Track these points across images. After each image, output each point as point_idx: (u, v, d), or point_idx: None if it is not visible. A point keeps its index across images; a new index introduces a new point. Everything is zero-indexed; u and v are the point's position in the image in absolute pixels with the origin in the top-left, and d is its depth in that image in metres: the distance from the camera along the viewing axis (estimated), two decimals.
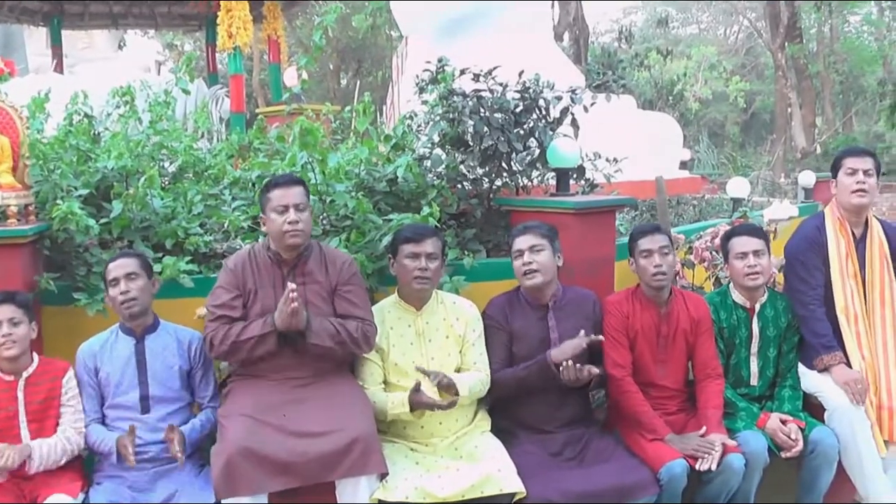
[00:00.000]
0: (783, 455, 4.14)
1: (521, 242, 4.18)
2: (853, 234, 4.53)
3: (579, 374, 3.95)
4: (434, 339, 4.04)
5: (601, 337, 4.10)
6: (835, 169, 4.61)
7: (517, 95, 5.09)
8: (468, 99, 4.98)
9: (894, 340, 4.43)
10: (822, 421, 4.30)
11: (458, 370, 4.05)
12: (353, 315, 3.87)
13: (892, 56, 26.01)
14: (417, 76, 5.44)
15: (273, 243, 3.92)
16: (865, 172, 4.47)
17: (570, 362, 3.95)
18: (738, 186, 7.16)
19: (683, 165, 12.08)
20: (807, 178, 9.02)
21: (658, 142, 9.77)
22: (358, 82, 19.79)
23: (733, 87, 30.02)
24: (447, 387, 3.84)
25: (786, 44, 24.17)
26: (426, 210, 4.38)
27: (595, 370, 3.98)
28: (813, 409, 4.41)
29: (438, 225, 4.42)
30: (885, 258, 4.52)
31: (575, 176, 5.17)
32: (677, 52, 29.85)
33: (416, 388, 3.80)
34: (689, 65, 28.48)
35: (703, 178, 12.90)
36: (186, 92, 5.82)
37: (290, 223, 3.80)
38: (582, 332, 4.07)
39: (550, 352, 4.03)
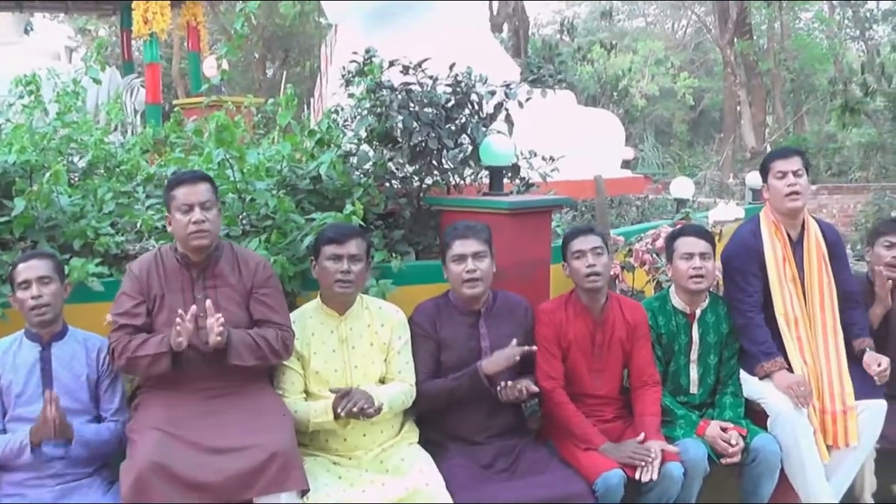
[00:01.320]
0: (723, 461, 4.23)
1: (463, 247, 4.18)
2: (789, 236, 4.64)
3: (518, 394, 4.00)
4: (358, 345, 4.04)
5: (534, 348, 4.15)
6: (764, 172, 4.72)
7: (448, 90, 5.12)
8: (397, 93, 5.00)
9: (835, 343, 4.55)
10: (765, 428, 4.41)
11: (382, 379, 4.06)
12: (270, 320, 3.86)
13: (844, 55, 26.62)
14: (344, 68, 5.44)
15: (180, 245, 3.88)
16: (795, 174, 4.57)
17: (508, 383, 4.00)
18: (681, 186, 7.28)
19: (626, 164, 12.22)
20: (755, 178, 9.16)
21: (599, 139, 9.88)
22: (284, 73, 19.71)
23: (681, 84, 30.45)
24: (359, 412, 3.75)
25: (735, 40, 24.62)
26: (349, 208, 4.39)
27: (533, 388, 4.04)
28: (755, 415, 4.51)
29: (363, 225, 4.43)
30: (823, 259, 4.64)
31: (509, 175, 5.22)
32: (623, 46, 30.21)
33: (342, 395, 3.79)
34: (635, 59, 28.82)
35: (646, 177, 13.06)
36: (97, 81, 5.76)
37: (195, 223, 3.76)
38: (514, 341, 4.11)
39: (481, 363, 4.06)
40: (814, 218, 4.77)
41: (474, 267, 4.14)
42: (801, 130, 28.22)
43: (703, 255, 4.47)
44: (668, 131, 32.47)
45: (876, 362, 4.48)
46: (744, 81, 25.50)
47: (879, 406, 4.44)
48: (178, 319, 3.59)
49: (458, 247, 4.18)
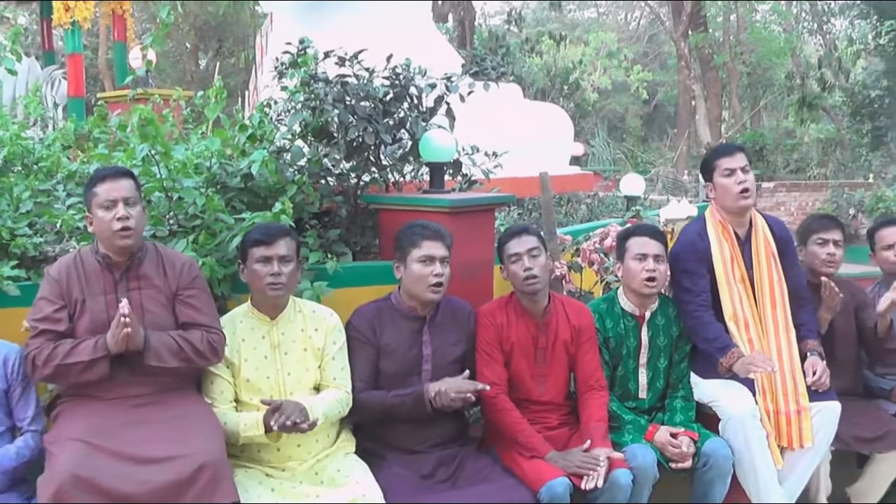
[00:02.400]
0: (673, 466, 4.29)
1: (434, 249, 4.19)
2: (737, 235, 4.72)
3: (453, 402, 4.02)
4: (291, 351, 4.04)
5: (487, 387, 4.12)
6: (707, 171, 4.80)
7: (386, 82, 5.13)
8: (332, 85, 5.00)
9: (788, 343, 4.63)
10: (717, 432, 4.47)
11: (317, 386, 4.06)
12: (197, 322, 3.84)
13: (801, 48, 27.08)
14: (277, 59, 5.44)
15: (102, 245, 3.85)
16: (743, 170, 4.66)
17: (442, 388, 4.02)
18: (632, 183, 7.39)
19: (576, 161, 12.33)
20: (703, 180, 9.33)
21: (546, 134, 9.95)
22: (218, 64, 19.58)
23: (635, 77, 30.78)
24: (292, 427, 3.73)
25: (689, 32, 24.93)
26: (278, 207, 4.37)
27: (471, 398, 4.05)
28: (707, 419, 4.58)
29: (294, 225, 4.41)
30: (772, 257, 4.72)
31: (450, 171, 5.25)
32: (574, 38, 30.47)
33: (274, 408, 3.78)
34: (587, 52, 29.08)
35: (596, 174, 13.20)
36: (13, 72, 5.68)
37: (119, 219, 3.73)
38: (466, 372, 4.14)
39: (428, 386, 4.07)
40: (761, 214, 4.85)
41: (442, 272, 4.16)
42: (759, 126, 28.66)
43: (656, 257, 4.53)
44: (621, 126, 32.78)
45: (811, 370, 4.56)
46: (698, 75, 25.85)
47: (833, 407, 4.52)
48: (119, 314, 3.55)
49: (429, 248, 4.18)
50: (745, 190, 4.62)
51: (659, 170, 18.33)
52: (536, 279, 4.31)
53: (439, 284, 4.15)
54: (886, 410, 5.01)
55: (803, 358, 4.64)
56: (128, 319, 3.55)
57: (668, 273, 4.74)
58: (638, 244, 4.57)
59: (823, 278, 4.91)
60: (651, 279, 4.49)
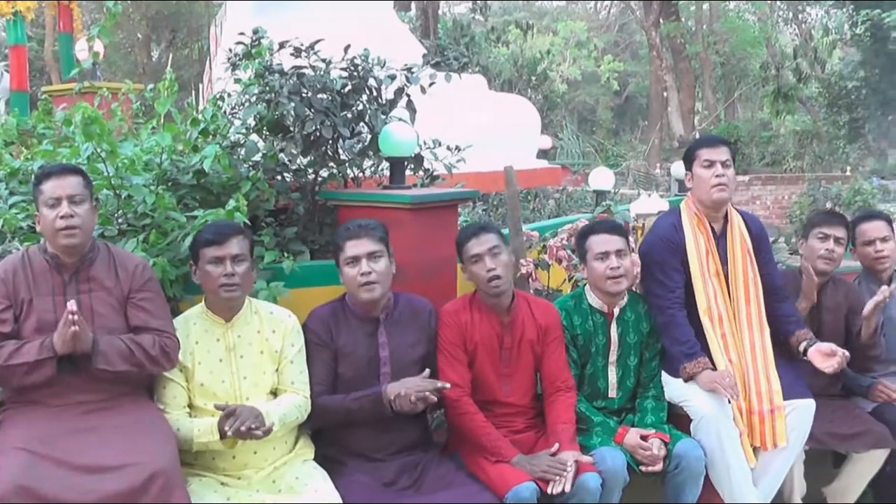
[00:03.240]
0: (644, 469, 4.33)
1: (357, 247, 4.19)
2: (712, 229, 4.77)
3: (414, 404, 4.03)
4: (247, 354, 4.03)
5: (447, 385, 4.13)
6: (688, 161, 4.84)
7: (344, 74, 5.14)
8: (287, 77, 5.00)
9: (762, 340, 4.69)
10: (689, 433, 4.53)
11: (274, 391, 4.07)
12: (149, 327, 3.83)
13: (777, 38, 27.29)
14: (230, 50, 5.42)
15: (49, 244, 3.84)
16: (724, 164, 4.70)
17: (402, 390, 4.02)
18: (601, 178, 7.43)
19: (544, 154, 12.37)
20: (681, 168, 9.38)
21: (512, 127, 9.96)
22: (171, 55, 19.49)
23: (605, 68, 30.92)
24: (247, 433, 3.72)
25: (661, 21, 25.06)
26: (232, 204, 4.37)
27: (433, 398, 4.06)
28: (678, 420, 4.63)
29: (248, 223, 4.41)
30: (748, 253, 4.77)
31: (411, 166, 5.26)
32: (542, 27, 30.60)
33: (228, 413, 3.78)
34: (555, 41, 29.18)
35: (564, 168, 13.25)
36: None
37: (62, 217, 3.72)
38: (427, 371, 4.14)
39: (387, 387, 4.08)
40: (737, 210, 4.90)
41: (369, 269, 4.16)
42: (733, 118, 28.86)
43: (618, 253, 4.56)
44: (591, 118, 32.93)
45: (829, 350, 4.57)
46: (671, 66, 26.01)
47: (808, 405, 4.58)
48: (67, 312, 3.54)
49: (351, 248, 4.19)
50: (721, 184, 4.66)
51: (630, 163, 18.41)
52: (500, 280, 4.33)
53: (370, 283, 4.15)
54: (863, 408, 5.06)
55: (791, 352, 4.71)
56: (75, 318, 3.54)
57: (636, 267, 4.78)
58: (598, 242, 4.60)
59: (803, 262, 4.97)
60: (616, 277, 4.53)
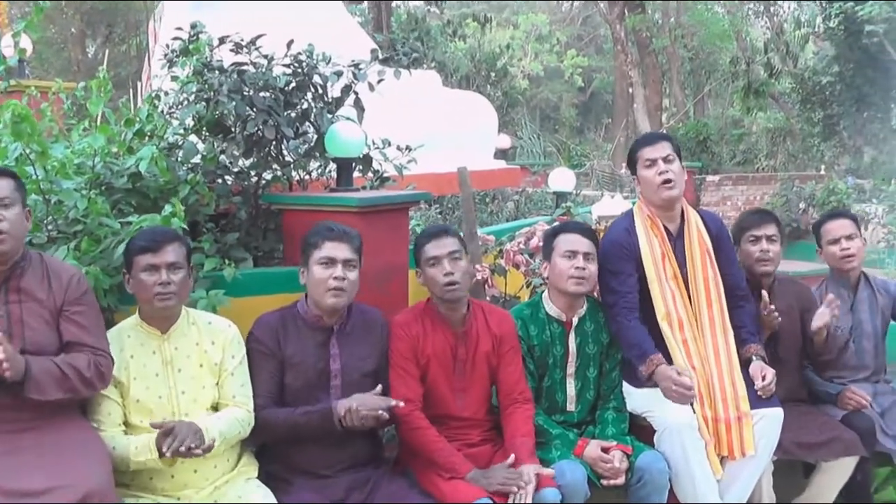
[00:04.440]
0: (604, 483, 4.37)
1: (335, 250, 4.20)
2: (667, 230, 4.83)
3: (364, 421, 4.04)
4: (185, 368, 4.02)
5: (401, 403, 4.15)
6: (632, 164, 4.92)
7: (288, 70, 5.15)
8: (227, 75, 5.00)
9: (726, 344, 4.74)
10: (652, 444, 4.58)
11: (215, 405, 4.07)
12: (83, 343, 3.79)
13: (747, 31, 27.55)
14: (167, 46, 5.42)
15: None
16: (665, 160, 4.75)
17: (353, 405, 4.03)
18: (561, 178, 7.50)
19: (502, 154, 12.41)
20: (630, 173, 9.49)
21: (467, 126, 9.99)
22: (107, 52, 19.35)
23: (568, 63, 31.06)
24: (186, 452, 3.70)
25: (626, 14, 25.22)
26: (168, 209, 4.36)
27: (385, 416, 4.07)
28: (641, 431, 4.69)
29: (186, 228, 4.40)
30: (707, 253, 4.82)
31: (360, 168, 5.28)
32: (501, 20, 30.69)
33: (165, 431, 3.76)
34: (516, 35, 29.26)
35: (523, 168, 13.30)
36: None
37: None
38: (379, 387, 4.17)
39: (337, 404, 4.08)
40: (694, 209, 4.95)
41: (343, 275, 4.17)
42: (702, 115, 29.08)
43: (586, 256, 4.62)
44: (554, 116, 33.07)
45: (760, 375, 4.68)
46: (636, 60, 26.18)
47: (776, 414, 4.63)
48: None
49: (330, 249, 4.20)
50: (668, 181, 4.71)
51: (593, 163, 18.50)
52: (457, 285, 4.36)
53: (339, 289, 4.16)
54: (833, 416, 5.12)
55: (745, 363, 4.75)
56: (2, 355, 3.49)
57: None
58: (567, 241, 4.65)
59: (764, 295, 5.00)
60: (580, 277, 4.57)
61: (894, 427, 5.20)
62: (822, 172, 21.58)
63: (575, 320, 4.71)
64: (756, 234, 5.20)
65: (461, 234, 4.63)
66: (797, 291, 5.32)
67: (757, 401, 4.64)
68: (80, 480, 3.50)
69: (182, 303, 4.06)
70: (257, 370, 4.19)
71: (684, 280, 4.78)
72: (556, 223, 5.32)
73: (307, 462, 4.18)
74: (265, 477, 4.12)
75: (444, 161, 7.48)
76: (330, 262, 4.18)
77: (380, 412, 4.04)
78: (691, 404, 4.54)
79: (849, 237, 5.37)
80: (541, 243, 5.13)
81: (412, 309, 4.53)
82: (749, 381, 4.68)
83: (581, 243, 4.64)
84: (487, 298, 5.28)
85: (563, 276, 4.61)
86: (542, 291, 4.80)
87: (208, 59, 5.14)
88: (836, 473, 4.99)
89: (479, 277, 5.27)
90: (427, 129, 7.53)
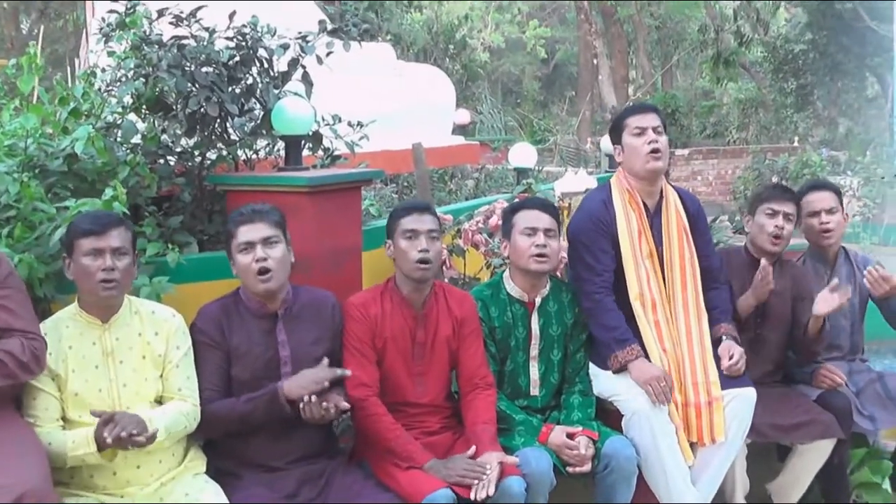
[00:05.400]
0: (570, 470, 4.39)
1: (250, 232, 4.18)
2: (645, 206, 4.84)
3: (325, 412, 4.03)
4: (127, 359, 3.99)
5: (347, 372, 4.17)
6: (616, 132, 4.92)
7: (231, 44, 5.11)
8: (166, 49, 4.96)
9: (699, 327, 4.78)
10: (620, 430, 4.60)
11: (159, 399, 4.04)
12: (13, 328, 3.74)
13: None
14: (103, 20, 5.36)
15: None
16: (655, 130, 4.78)
17: (311, 397, 4.01)
18: (521, 154, 7.51)
19: (462, 130, 12.40)
20: (610, 142, 9.50)
21: (424, 101, 9.98)
22: (42, 28, 19.15)
23: (531, 34, 31.02)
24: (128, 439, 3.66)
25: None
26: (109, 193, 4.33)
27: (344, 405, 4.07)
28: (608, 416, 4.71)
29: (127, 212, 4.37)
30: (684, 231, 4.85)
31: (310, 145, 5.26)
32: None
33: (105, 420, 3.72)
34: (475, 5, 29.19)
35: (482, 144, 13.29)
36: None
37: None
38: (325, 360, 4.15)
39: (282, 384, 4.08)
40: (673, 186, 4.97)
41: (265, 255, 4.15)
42: (671, 86, 29.18)
43: (547, 232, 4.62)
44: (516, 90, 33.07)
45: (728, 354, 4.72)
46: (601, 30, 26.20)
47: (748, 395, 4.66)
48: None
49: (245, 233, 4.18)
50: (656, 151, 4.73)
51: (557, 138, 18.52)
52: (429, 265, 4.37)
53: (264, 271, 4.15)
54: (808, 396, 5.16)
55: (715, 343, 4.78)
56: None
57: (563, 252, 4.84)
58: (527, 218, 4.66)
59: (763, 261, 4.99)
60: (541, 255, 4.58)
61: (870, 407, 5.25)
62: (796, 144, 21.68)
63: (538, 300, 4.71)
64: (775, 208, 5.16)
65: (438, 216, 4.63)
66: (795, 275, 5.31)
67: (728, 381, 4.67)
68: (14, 480, 3.44)
69: (125, 292, 4.03)
70: (203, 362, 4.17)
71: (660, 259, 4.80)
72: (516, 201, 5.31)
73: (257, 455, 4.17)
74: (214, 472, 4.10)
75: (400, 138, 7.47)
76: (248, 246, 4.17)
77: (342, 402, 4.04)
78: None
79: (829, 211, 5.37)
80: (500, 222, 5.12)
81: (369, 290, 4.53)
82: (721, 362, 4.71)
83: (541, 219, 4.65)
84: (446, 280, 5.28)
85: (523, 254, 4.61)
86: (503, 271, 4.80)
87: (146, 33, 5.08)
88: (812, 456, 5.03)
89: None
90: (380, 105, 7.53)
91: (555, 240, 4.66)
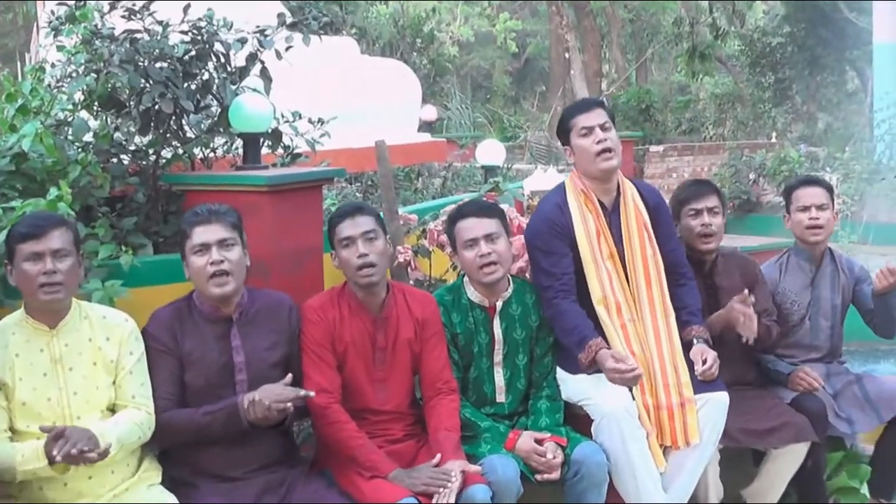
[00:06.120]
0: (538, 478, 4.39)
1: (206, 234, 4.16)
2: (602, 205, 4.84)
3: (268, 412, 4.01)
4: (77, 366, 3.96)
5: (312, 393, 4.13)
6: (564, 133, 4.90)
7: (186, 38, 5.10)
8: (118, 43, 4.94)
9: (667, 326, 4.78)
10: (590, 435, 4.59)
11: (111, 407, 4.02)
12: None
13: None
14: (52, 13, 5.34)
15: None
16: (602, 127, 4.76)
17: (255, 397, 4.00)
18: (489, 151, 7.54)
19: (429, 127, 12.41)
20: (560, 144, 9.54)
21: (388, 97, 9.99)
22: None
23: (501, 27, 31.01)
24: (79, 456, 3.63)
25: None
26: (54, 193, 4.30)
27: (290, 407, 4.05)
28: (577, 421, 4.71)
29: (74, 213, 4.34)
30: (644, 228, 4.85)
31: (269, 143, 5.25)
32: None
33: (55, 436, 3.70)
34: None
35: (450, 142, 13.30)
36: None
37: None
38: (289, 376, 4.11)
39: (243, 398, 4.05)
40: (630, 180, 4.97)
41: (221, 258, 4.13)
42: (646, 81, 29.27)
43: (488, 238, 4.60)
44: (486, 85, 33.07)
45: (701, 358, 4.70)
46: (573, 23, 26.21)
47: (721, 399, 4.67)
48: None
49: (200, 234, 4.16)
50: (607, 150, 4.72)
51: (528, 135, 18.53)
52: (373, 268, 4.34)
53: (221, 273, 4.13)
54: (782, 399, 5.18)
55: (687, 346, 4.78)
56: None
57: (519, 250, 4.84)
58: (465, 229, 4.64)
59: (740, 305, 4.93)
60: (489, 264, 4.57)
61: (847, 409, 5.27)
62: (774, 140, 21.82)
63: (499, 304, 4.71)
64: (696, 207, 5.19)
65: (380, 212, 4.61)
66: (741, 265, 5.34)
67: (700, 385, 4.67)
68: None
69: (72, 294, 3.99)
70: (156, 369, 4.14)
71: (621, 259, 4.79)
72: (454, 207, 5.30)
73: (214, 464, 4.15)
74: (170, 482, 4.08)
75: (363, 135, 7.47)
76: (203, 248, 4.15)
77: (287, 404, 4.02)
78: (631, 390, 4.57)
79: (820, 207, 5.37)
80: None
81: (326, 293, 4.52)
82: (692, 365, 4.71)
83: (479, 227, 4.63)
84: (411, 282, 5.28)
85: (471, 267, 4.62)
86: (464, 275, 4.79)
87: (98, 27, 5.07)
88: (786, 461, 5.05)
89: (402, 260, 5.26)
90: (343, 101, 7.54)
91: (499, 241, 4.63)
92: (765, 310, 5.17)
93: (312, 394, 4.11)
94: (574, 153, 4.85)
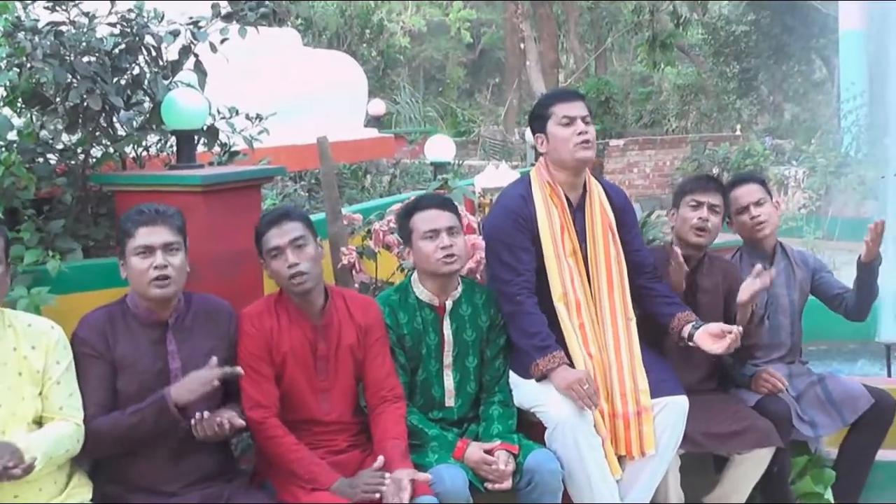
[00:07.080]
0: (489, 487, 4.41)
1: (151, 236, 4.14)
2: (568, 201, 4.87)
3: (219, 429, 4.02)
4: (1, 377, 3.92)
5: (239, 369, 4.15)
6: (540, 120, 4.91)
7: (115, 30, 5.07)
8: (42, 36, 4.90)
9: (627, 331, 4.82)
10: (543, 442, 4.61)
11: (38, 419, 4.00)
12: None
13: None
14: None
15: None
16: (584, 120, 4.80)
17: (204, 415, 4.00)
18: (438, 147, 7.54)
19: (377, 122, 12.41)
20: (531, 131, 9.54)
21: (332, 91, 9.96)
22: None
23: (454, 17, 31.00)
24: (2, 473, 3.61)
25: None
26: None
27: (239, 421, 4.07)
28: (530, 428, 4.73)
29: (1, 217, 4.33)
30: (609, 228, 4.88)
31: (204, 141, 5.23)
32: None
33: None
34: None
35: (397, 137, 13.30)
36: None
37: None
38: (213, 359, 4.10)
39: (170, 390, 4.04)
40: (597, 179, 5.00)
41: (165, 262, 4.12)
42: (605, 72, 29.36)
43: (450, 231, 4.63)
44: (440, 77, 33.06)
45: (719, 332, 4.71)
46: (528, 12, 26.26)
47: (680, 403, 4.72)
48: None
49: (144, 236, 4.13)
50: (586, 142, 4.74)
51: (481, 129, 18.54)
52: (305, 276, 4.34)
53: (163, 277, 4.12)
54: (745, 402, 5.21)
55: (681, 337, 4.84)
56: None
57: (478, 251, 4.85)
58: (425, 220, 4.66)
59: (669, 247, 5.08)
60: (448, 256, 4.58)
61: (811, 412, 5.31)
62: (738, 133, 21.93)
63: (449, 304, 4.73)
64: (699, 199, 5.20)
65: (308, 215, 4.60)
66: (725, 270, 5.38)
67: (658, 388, 4.71)
68: None
69: None
70: (86, 376, 4.11)
71: (584, 257, 4.83)
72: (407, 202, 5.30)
73: (148, 479, 4.13)
74: (101, 498, 4.08)
75: (306, 131, 7.43)
76: (147, 250, 4.13)
77: (236, 419, 4.03)
78: None
79: (757, 203, 5.44)
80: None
81: (262, 301, 4.51)
82: (650, 369, 4.75)
83: (441, 219, 4.65)
84: (356, 285, 5.28)
85: (429, 259, 4.62)
86: (412, 274, 4.80)
87: (19, 18, 5.01)
88: (750, 466, 5.09)
89: (346, 262, 5.25)
90: (283, 96, 7.50)
91: (459, 236, 4.67)
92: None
93: (240, 371, 4.13)
94: (548, 141, 4.85)
